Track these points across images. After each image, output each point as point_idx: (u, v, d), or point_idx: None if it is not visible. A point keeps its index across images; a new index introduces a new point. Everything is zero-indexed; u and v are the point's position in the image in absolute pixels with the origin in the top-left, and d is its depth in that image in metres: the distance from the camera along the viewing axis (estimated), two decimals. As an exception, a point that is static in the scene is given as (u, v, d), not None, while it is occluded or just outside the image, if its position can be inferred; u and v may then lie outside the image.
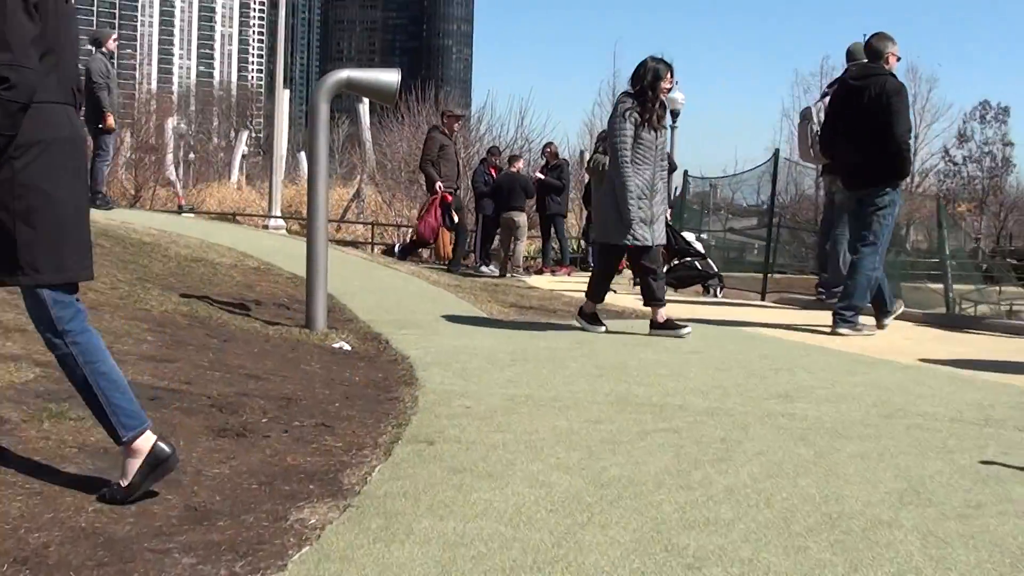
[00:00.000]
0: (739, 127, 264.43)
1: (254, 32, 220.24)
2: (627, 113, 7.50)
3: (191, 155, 57.26)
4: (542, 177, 17.30)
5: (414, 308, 8.94)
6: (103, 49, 13.13)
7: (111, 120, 12.93)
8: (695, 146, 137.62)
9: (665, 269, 13.05)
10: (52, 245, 3.01)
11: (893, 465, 3.79)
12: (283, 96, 34.45)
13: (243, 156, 52.70)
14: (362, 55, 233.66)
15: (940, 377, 5.90)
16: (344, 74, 7.26)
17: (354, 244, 28.51)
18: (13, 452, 3.38)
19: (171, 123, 45.17)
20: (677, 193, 21.81)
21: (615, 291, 12.71)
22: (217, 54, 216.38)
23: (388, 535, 2.93)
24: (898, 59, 8.51)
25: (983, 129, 59.08)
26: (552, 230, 17.81)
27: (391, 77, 7.10)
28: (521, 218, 17.14)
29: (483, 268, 17.58)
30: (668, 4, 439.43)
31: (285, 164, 43.13)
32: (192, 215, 27.24)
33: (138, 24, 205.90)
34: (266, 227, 27.63)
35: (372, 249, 27.16)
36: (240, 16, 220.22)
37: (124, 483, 3.11)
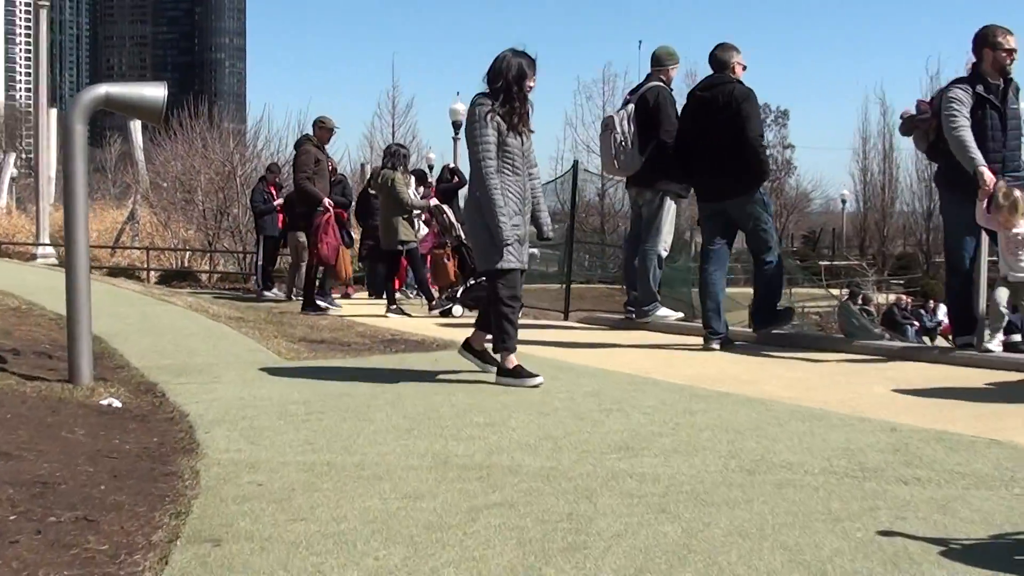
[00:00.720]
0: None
1: (21, 49, 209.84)
2: (488, 116, 6.38)
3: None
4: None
5: (194, 349, 8.00)
6: None
7: None
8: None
9: (461, 290, 12.45)
10: None
11: (780, 544, 3.17)
12: (50, 115, 32.59)
13: (12, 179, 49.79)
14: (133, 71, 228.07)
15: (787, 413, 5.33)
16: (102, 90, 6.28)
17: (131, 270, 26.93)
18: None
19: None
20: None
21: (410, 315, 12.02)
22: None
23: None
24: (744, 68, 8.45)
25: (765, 132, 60.74)
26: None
27: (156, 92, 6.14)
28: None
29: (267, 293, 16.79)
30: (446, 15, 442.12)
31: (55, 187, 40.90)
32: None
33: None
34: (34, 256, 25.84)
35: (148, 275, 25.68)
36: (6, 33, 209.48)
37: None
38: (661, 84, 9.68)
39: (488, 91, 6.50)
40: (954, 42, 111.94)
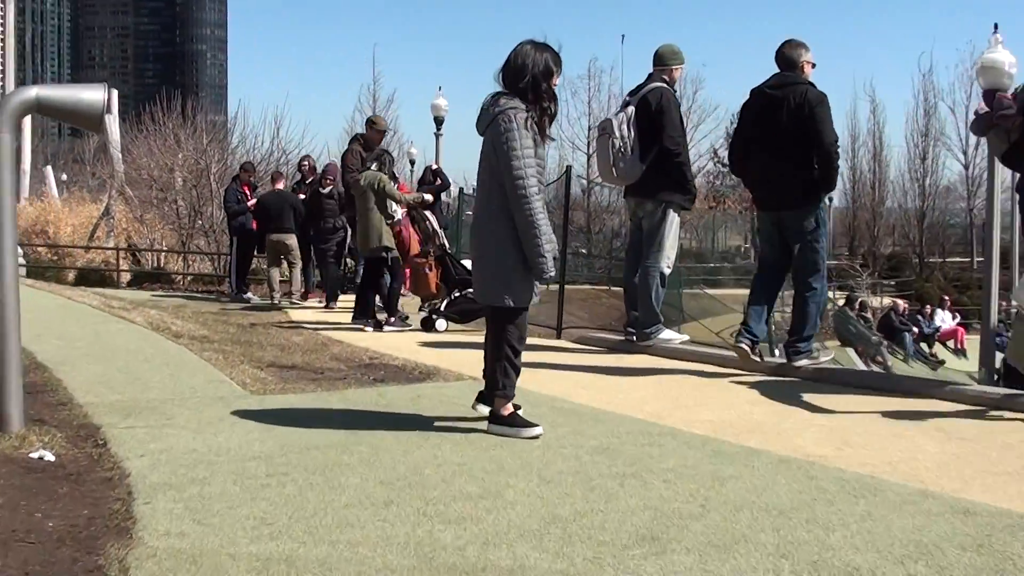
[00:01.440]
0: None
1: None
2: (527, 123, 5.33)
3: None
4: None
5: (148, 379, 7.18)
6: None
7: None
8: (460, 159, 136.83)
9: (445, 303, 11.64)
10: None
11: None
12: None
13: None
14: (115, 62, 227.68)
15: (835, 485, 4.44)
16: (32, 92, 5.43)
17: (102, 271, 26.04)
18: None
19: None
20: (452, 213, 20.58)
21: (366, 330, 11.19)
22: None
23: None
24: (813, 66, 7.84)
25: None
26: (311, 252, 16.32)
27: (94, 95, 5.26)
28: (292, 240, 15.86)
29: (242, 296, 16.48)
30: (428, 8, 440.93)
31: (29, 179, 39.99)
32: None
33: None
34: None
35: (118, 276, 24.77)
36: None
37: None
38: (664, 85, 8.91)
39: (507, 91, 5.46)
40: (946, 40, 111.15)
